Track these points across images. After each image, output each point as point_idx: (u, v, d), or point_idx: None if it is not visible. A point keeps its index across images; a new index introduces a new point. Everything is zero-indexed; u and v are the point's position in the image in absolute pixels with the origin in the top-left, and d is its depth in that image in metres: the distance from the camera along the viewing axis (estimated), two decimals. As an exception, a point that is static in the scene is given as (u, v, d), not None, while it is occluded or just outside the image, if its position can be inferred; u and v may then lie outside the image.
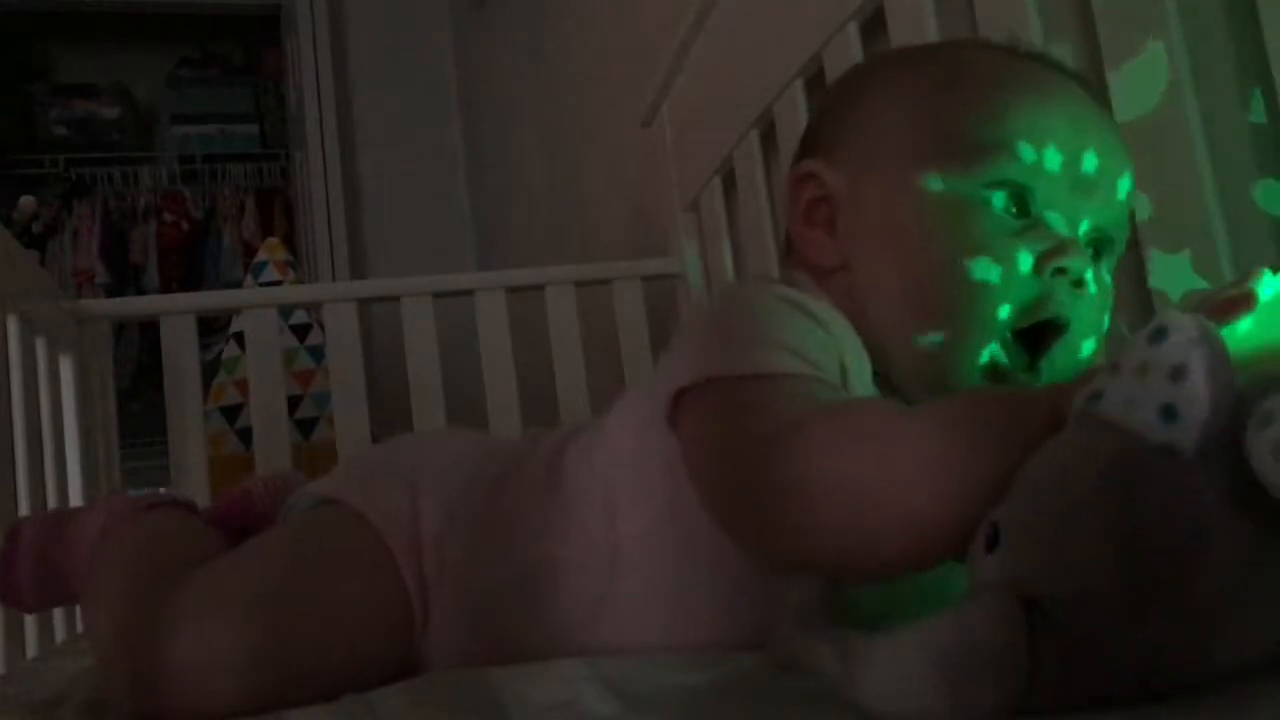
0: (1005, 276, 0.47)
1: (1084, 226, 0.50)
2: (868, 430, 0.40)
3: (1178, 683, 0.29)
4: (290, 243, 3.23)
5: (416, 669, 0.54)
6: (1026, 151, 0.48)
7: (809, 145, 0.57)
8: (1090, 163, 0.49)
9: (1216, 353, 0.28)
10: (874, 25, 0.86)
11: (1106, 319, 0.51)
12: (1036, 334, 0.49)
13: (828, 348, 0.47)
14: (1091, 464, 0.30)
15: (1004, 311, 0.48)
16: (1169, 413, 0.28)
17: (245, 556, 0.57)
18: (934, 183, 0.49)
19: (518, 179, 2.48)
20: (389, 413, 1.62)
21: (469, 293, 1.35)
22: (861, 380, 0.49)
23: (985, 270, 0.48)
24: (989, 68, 0.52)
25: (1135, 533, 0.28)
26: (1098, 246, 0.51)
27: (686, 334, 0.53)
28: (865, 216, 0.52)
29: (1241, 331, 0.36)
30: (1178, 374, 0.28)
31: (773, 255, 1.06)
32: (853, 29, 0.87)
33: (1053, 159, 0.48)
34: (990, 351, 0.48)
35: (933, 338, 0.49)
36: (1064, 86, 0.51)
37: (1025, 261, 0.48)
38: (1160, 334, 0.29)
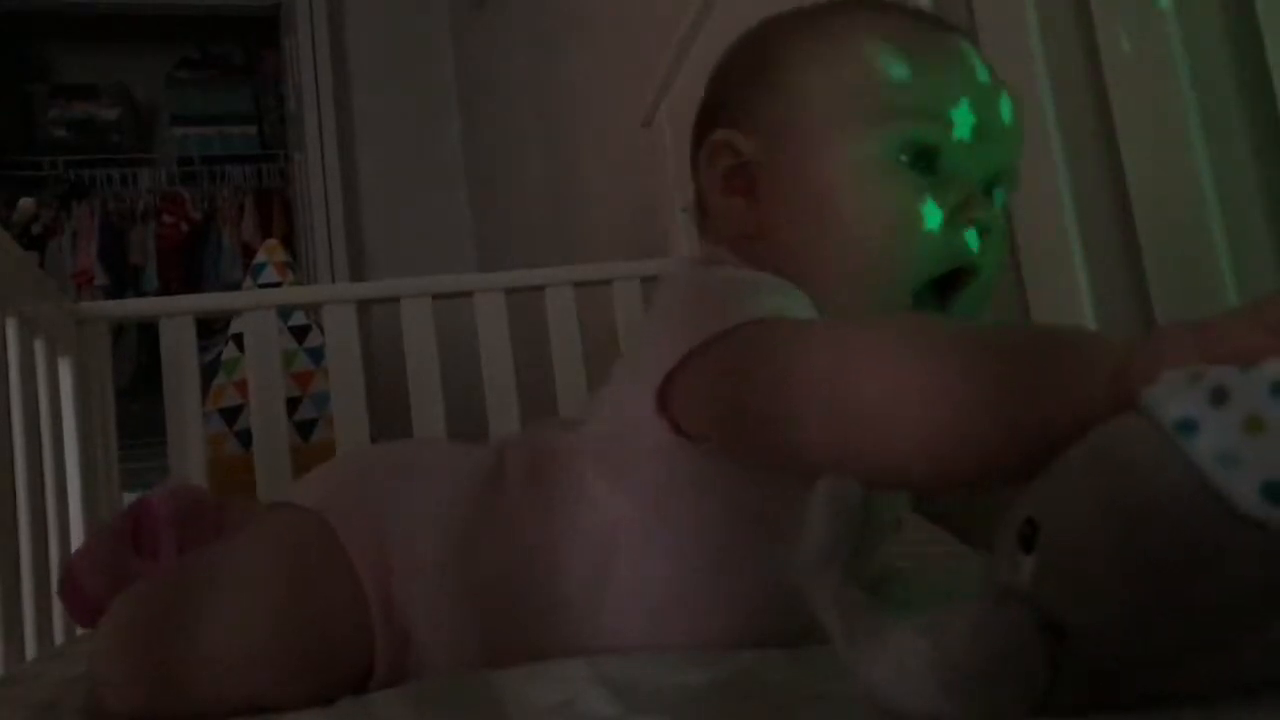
0: (920, 232, 0.50)
1: (982, 174, 0.52)
2: (914, 338, 0.40)
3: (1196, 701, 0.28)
4: (289, 244, 3.23)
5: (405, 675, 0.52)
6: (934, 112, 0.51)
7: (714, 116, 0.57)
8: (988, 115, 0.52)
9: None
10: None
11: (1001, 255, 0.54)
12: (946, 279, 0.51)
13: (802, 303, 0.49)
14: (1166, 515, 0.27)
15: (921, 265, 0.50)
16: (1274, 491, 0.25)
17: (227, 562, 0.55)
18: (850, 146, 0.51)
19: (517, 180, 2.48)
20: (388, 414, 1.62)
21: (468, 294, 1.35)
22: None
23: (902, 229, 0.50)
24: (889, 30, 0.53)
25: (1203, 607, 0.26)
26: (993, 185, 0.53)
27: (656, 328, 0.53)
28: (784, 181, 0.53)
29: None
30: (1255, 426, 0.26)
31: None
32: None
33: (957, 117, 0.51)
34: (908, 304, 0.50)
35: (855, 295, 0.51)
36: (959, 43, 0.53)
37: (937, 217, 0.50)
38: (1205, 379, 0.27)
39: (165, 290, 3.38)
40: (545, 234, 2.27)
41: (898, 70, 0.51)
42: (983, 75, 0.53)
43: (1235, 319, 0.31)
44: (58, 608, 0.99)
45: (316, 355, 2.01)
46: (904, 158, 0.51)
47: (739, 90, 0.57)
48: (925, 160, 0.51)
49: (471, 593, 0.52)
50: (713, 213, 0.56)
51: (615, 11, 1.67)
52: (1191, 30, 0.58)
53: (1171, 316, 0.61)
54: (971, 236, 0.51)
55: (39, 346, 1.02)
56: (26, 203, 3.31)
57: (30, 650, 0.89)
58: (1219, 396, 0.26)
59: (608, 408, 0.54)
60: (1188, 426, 0.27)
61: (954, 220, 0.50)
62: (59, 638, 0.98)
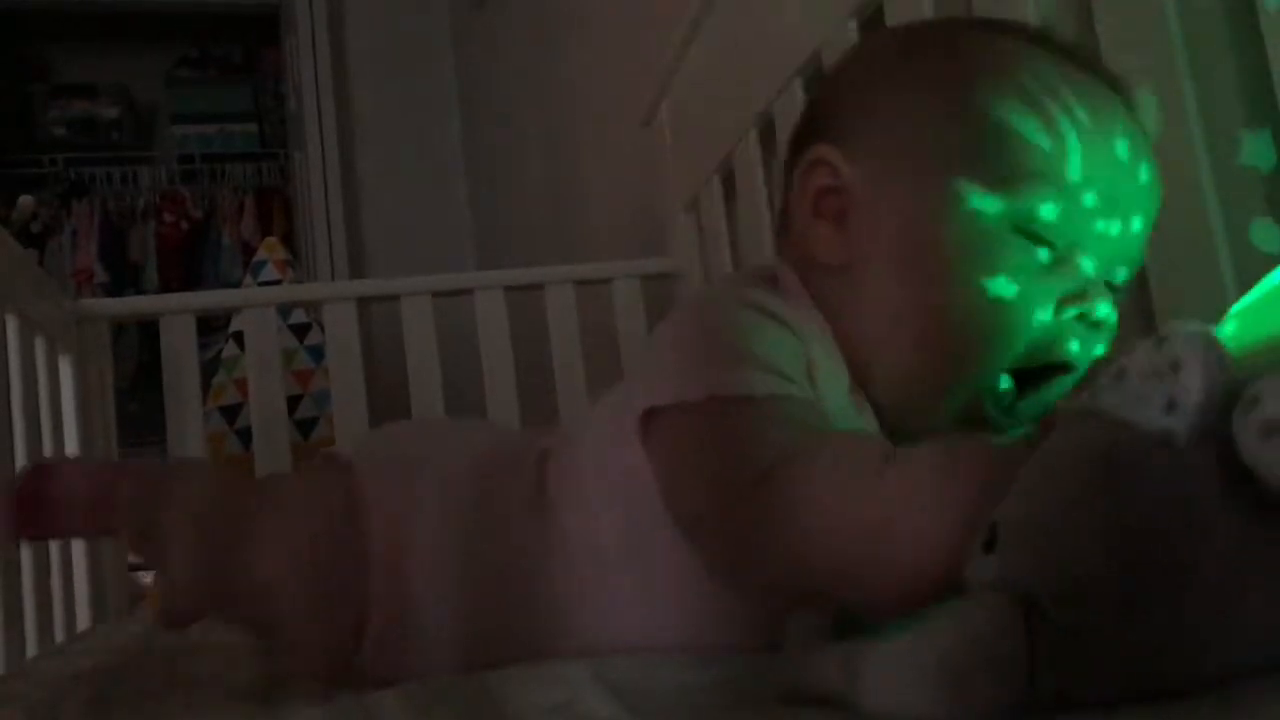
0: (1024, 317, 0.45)
1: (1108, 255, 0.47)
2: (858, 472, 0.39)
3: (1179, 679, 0.29)
4: (289, 242, 3.23)
5: (402, 665, 0.52)
6: (1069, 183, 0.45)
7: (819, 127, 0.52)
8: (1129, 194, 0.46)
9: (1210, 344, 0.29)
10: (873, 22, 0.86)
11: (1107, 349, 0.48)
12: (1033, 371, 0.46)
13: (798, 355, 0.45)
14: (1084, 458, 0.30)
15: (1007, 353, 0.45)
16: (1170, 406, 0.29)
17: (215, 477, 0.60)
18: (968, 199, 0.45)
19: (517, 178, 2.48)
20: (388, 412, 1.61)
21: (468, 292, 1.35)
22: (832, 388, 0.47)
23: (1005, 308, 0.44)
24: (1039, 72, 0.46)
25: (1131, 525, 0.28)
26: (1111, 281, 0.48)
27: (657, 345, 0.51)
28: (882, 219, 0.48)
29: (1226, 333, 0.36)
30: (1174, 367, 0.29)
31: (770, 253, 1.06)
32: (852, 26, 0.87)
33: (1094, 195, 0.45)
34: (994, 386, 0.46)
35: (931, 364, 0.46)
36: (1111, 101, 0.47)
37: (1047, 302, 0.45)
38: (1160, 341, 0.30)
39: (165, 289, 3.38)
40: (545, 232, 2.27)
41: (1037, 126, 0.45)
42: (1131, 143, 0.46)
43: None
44: (59, 606, 0.99)
45: (317, 353, 2.01)
46: (1024, 227, 0.45)
47: (850, 106, 0.51)
48: (1047, 234, 0.45)
49: (468, 580, 0.52)
50: (795, 230, 0.52)
51: (615, 10, 1.67)
52: (1193, 30, 0.58)
53: (1170, 317, 0.61)
54: (1075, 332, 0.45)
55: (39, 345, 1.02)
56: (26, 201, 3.31)
57: (31, 648, 0.89)
58: (1117, 374, 0.31)
59: (609, 414, 0.52)
60: (1093, 397, 0.31)
61: (1061, 309, 0.45)
62: (59, 635, 0.98)
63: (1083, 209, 0.45)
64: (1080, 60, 0.48)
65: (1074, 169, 0.45)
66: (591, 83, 1.84)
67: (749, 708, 0.39)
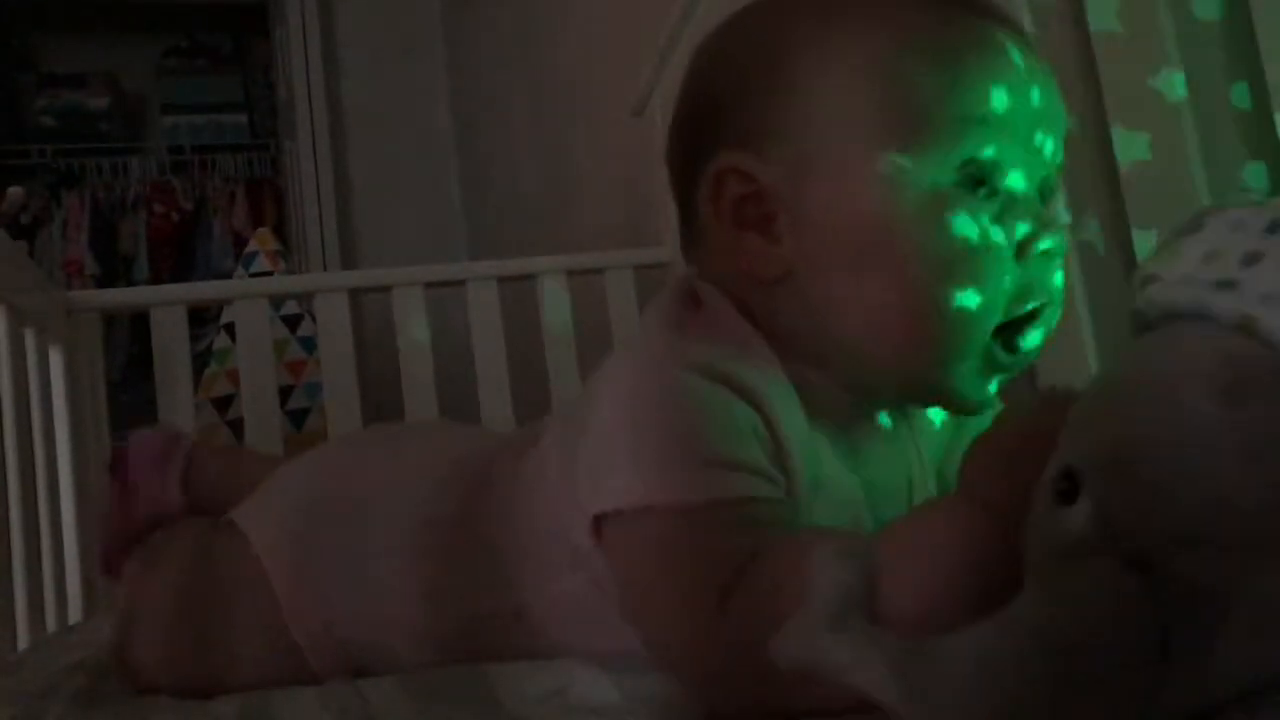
0: (995, 273, 0.42)
1: (1042, 175, 0.45)
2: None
3: None
4: (280, 233, 3.21)
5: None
6: (997, 119, 0.42)
7: (714, 130, 0.47)
8: (1044, 113, 0.44)
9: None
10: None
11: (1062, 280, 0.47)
12: (1021, 319, 0.45)
13: (755, 427, 0.42)
14: (1199, 371, 0.25)
15: (994, 312, 0.43)
16: (1224, 284, 0.25)
17: (167, 562, 0.60)
18: (901, 169, 0.42)
19: (509, 168, 2.47)
20: (380, 403, 1.61)
21: (460, 283, 1.34)
22: (794, 429, 0.44)
23: (976, 269, 0.42)
24: (930, 24, 0.44)
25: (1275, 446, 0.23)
26: (1045, 192, 0.46)
27: (601, 427, 0.44)
28: (815, 216, 0.44)
29: None
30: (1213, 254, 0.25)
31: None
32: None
33: (1013, 121, 0.43)
34: (989, 348, 0.44)
35: (922, 353, 0.44)
36: (1002, 36, 0.45)
37: (1009, 251, 0.43)
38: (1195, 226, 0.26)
39: (156, 280, 3.36)
40: (537, 222, 2.27)
41: (944, 72, 0.42)
42: (1030, 67, 0.45)
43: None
44: (50, 597, 0.99)
45: (308, 344, 2.00)
46: (964, 180, 0.42)
47: (744, 99, 0.46)
48: (986, 180, 0.43)
49: (423, 647, 0.52)
50: (717, 248, 0.47)
51: (606, 0, 1.67)
52: (1184, 19, 0.58)
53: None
54: (1042, 268, 0.44)
55: (29, 336, 1.02)
56: (16, 191, 3.29)
57: (23, 640, 0.89)
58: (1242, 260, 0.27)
59: (552, 470, 0.48)
60: (1148, 282, 0.28)
61: (1025, 253, 0.43)
62: (51, 626, 0.98)
63: (1010, 143, 0.43)
64: (969, 2, 0.46)
65: (991, 107, 0.43)
66: (583, 73, 1.83)
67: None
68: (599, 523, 0.42)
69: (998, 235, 0.43)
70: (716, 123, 0.47)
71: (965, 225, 0.42)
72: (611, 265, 1.38)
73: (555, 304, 1.34)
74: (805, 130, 0.44)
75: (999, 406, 0.48)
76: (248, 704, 0.48)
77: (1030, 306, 0.44)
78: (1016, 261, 0.43)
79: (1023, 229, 0.43)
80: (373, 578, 0.53)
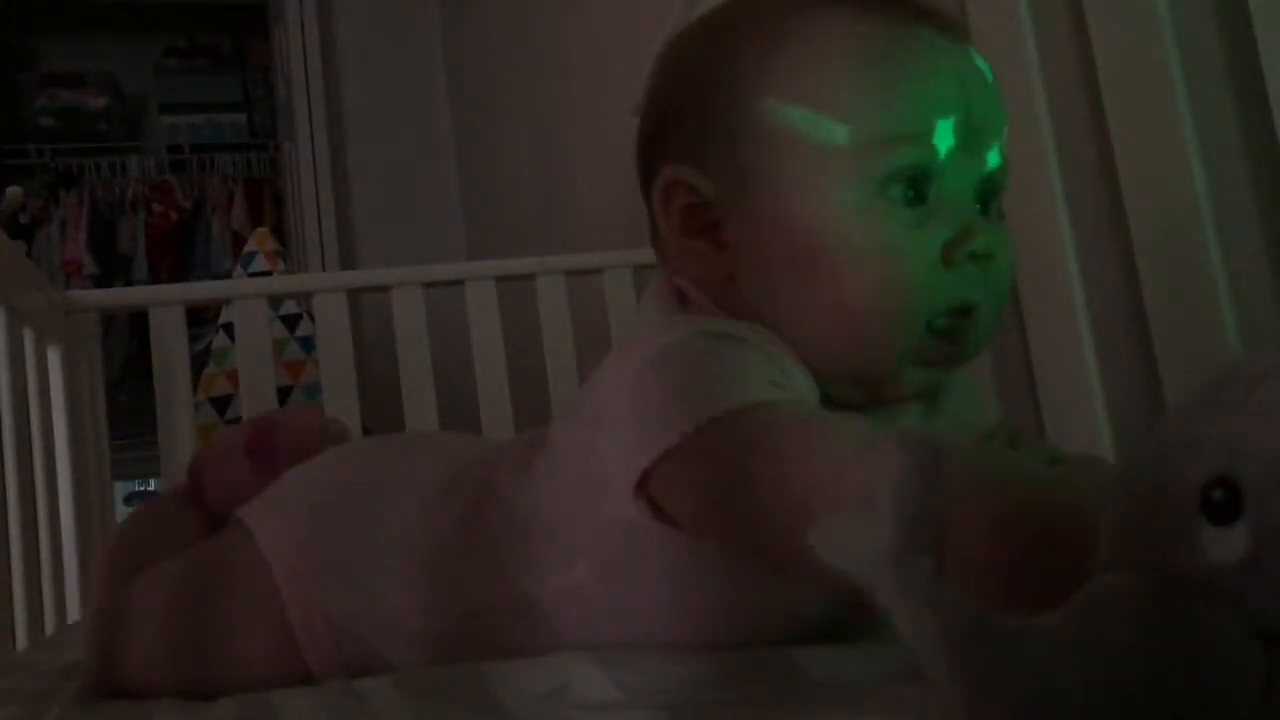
0: (917, 277, 0.45)
1: (974, 181, 0.47)
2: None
3: None
4: (279, 233, 3.21)
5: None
6: (920, 132, 0.45)
7: (664, 144, 0.51)
8: (978, 119, 0.46)
9: None
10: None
11: (1010, 272, 0.49)
12: (956, 316, 0.47)
13: (775, 368, 0.45)
14: None
15: (919, 313, 0.46)
16: None
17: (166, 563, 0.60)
18: (829, 185, 0.45)
19: (507, 168, 2.47)
20: (379, 403, 1.61)
21: (459, 282, 1.34)
22: (810, 392, 0.46)
23: (896, 277, 0.45)
24: (862, 41, 0.46)
25: None
26: (987, 195, 0.48)
27: (621, 395, 0.46)
28: (754, 230, 0.47)
29: None
30: None
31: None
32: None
33: (942, 131, 0.45)
34: (925, 344, 0.46)
35: (847, 349, 0.46)
36: (937, 42, 0.47)
37: (934, 256, 0.45)
38: None
39: (155, 280, 3.36)
40: (536, 222, 2.27)
41: (876, 87, 0.45)
42: (965, 70, 0.47)
43: None
44: (48, 598, 0.98)
45: (307, 344, 2.00)
46: (892, 191, 0.45)
47: (686, 117, 0.50)
48: (914, 188, 0.45)
49: (422, 645, 0.52)
50: (671, 254, 0.51)
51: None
52: (1186, 33, 0.58)
53: (1166, 326, 0.61)
54: (971, 273, 0.46)
55: (28, 336, 1.02)
56: (14, 191, 3.29)
57: (21, 641, 0.89)
58: None
59: (564, 465, 0.49)
60: None
61: (951, 256, 0.45)
62: (49, 628, 0.98)
63: (939, 154, 0.45)
64: (904, 10, 0.48)
65: (919, 115, 0.45)
66: (582, 72, 1.83)
67: (748, 699, 0.39)
68: (646, 482, 0.43)
69: (920, 242, 0.45)
70: (666, 136, 0.51)
71: (887, 234, 0.45)
72: (610, 265, 1.37)
73: (554, 304, 1.34)
74: (738, 146, 0.47)
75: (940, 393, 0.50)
76: (247, 704, 0.48)
77: (958, 305, 0.46)
78: (942, 265, 0.45)
79: (946, 235, 0.45)
80: (374, 571, 0.53)
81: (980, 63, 0.48)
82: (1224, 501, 0.21)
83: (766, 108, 0.47)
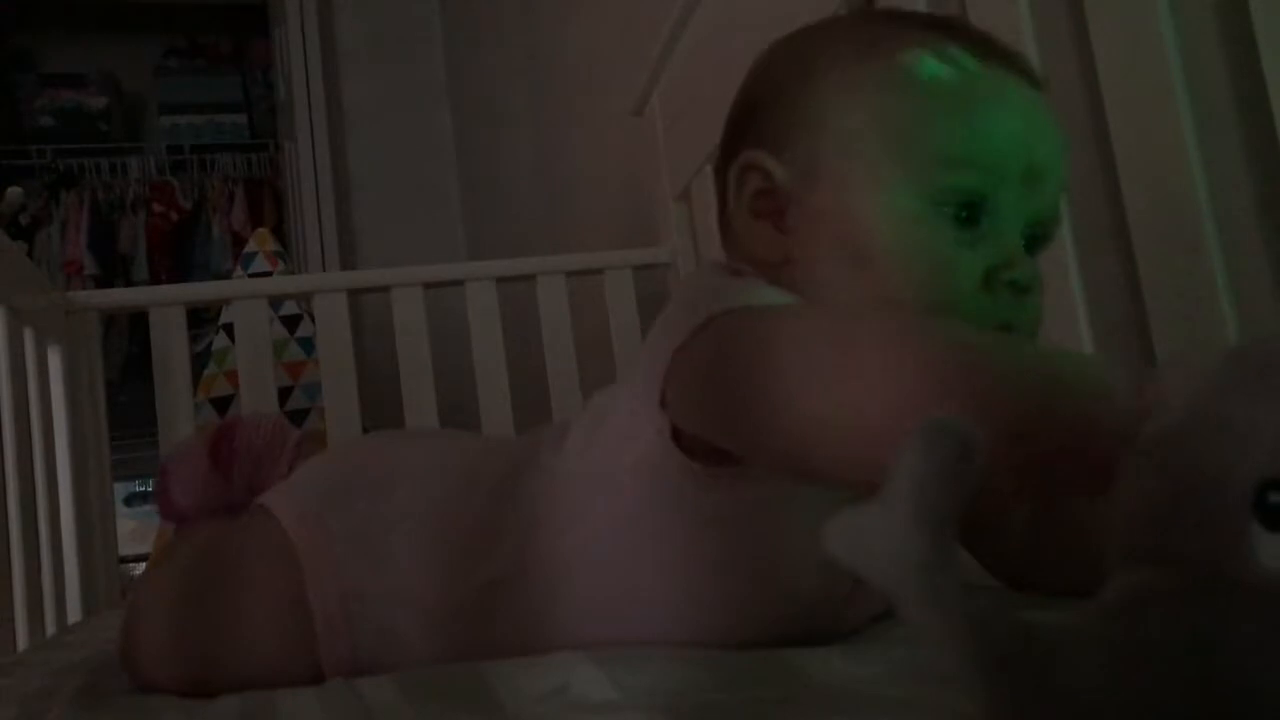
0: (956, 292, 0.48)
1: (1027, 219, 0.50)
2: (914, 337, 0.40)
3: None
4: (279, 233, 3.21)
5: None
6: (983, 161, 0.48)
7: (747, 130, 0.55)
8: (1038, 162, 0.49)
9: None
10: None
11: (1039, 313, 0.51)
12: None
13: None
14: None
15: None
16: None
17: (178, 556, 0.61)
18: (890, 193, 0.49)
19: (508, 168, 2.47)
20: (380, 403, 1.61)
21: (459, 283, 1.35)
22: None
23: (937, 288, 0.48)
24: (944, 70, 0.50)
25: None
26: (1034, 238, 0.51)
27: (657, 329, 0.51)
28: (816, 221, 0.51)
29: None
30: None
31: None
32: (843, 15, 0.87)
33: (1007, 167, 0.48)
34: None
35: None
36: (1014, 84, 0.50)
37: (975, 276, 0.48)
38: None
39: (155, 280, 3.36)
40: (536, 223, 2.27)
41: (948, 111, 0.48)
42: (1035, 115, 0.50)
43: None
44: (48, 598, 0.99)
45: (307, 345, 2.00)
46: (947, 209, 0.48)
47: (772, 108, 0.54)
48: (969, 211, 0.48)
49: (434, 620, 0.53)
50: (738, 233, 0.54)
51: (606, 0, 1.67)
52: (1186, 33, 0.58)
53: (1166, 323, 0.61)
54: (1008, 300, 0.48)
55: (28, 337, 1.02)
56: (14, 192, 3.29)
57: (21, 641, 0.89)
58: None
59: (592, 421, 0.53)
60: None
61: (992, 280, 0.48)
62: (50, 628, 0.98)
63: (995, 185, 0.48)
64: (981, 43, 0.51)
65: (987, 148, 0.48)
66: (582, 72, 1.83)
67: (748, 699, 0.39)
68: (666, 397, 0.46)
69: (966, 260, 0.48)
70: (750, 124, 0.55)
71: (934, 245, 0.48)
72: (610, 265, 1.38)
73: (554, 304, 1.34)
74: (815, 142, 0.51)
75: None
76: (248, 704, 0.48)
77: (989, 325, 0.48)
78: (982, 288, 0.48)
79: (992, 260, 0.48)
80: (391, 546, 0.55)
81: (1051, 116, 0.51)
82: (1277, 507, 0.21)
83: (842, 109, 0.51)
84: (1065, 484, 0.36)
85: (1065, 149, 0.51)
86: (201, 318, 2.44)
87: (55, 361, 1.12)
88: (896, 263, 0.48)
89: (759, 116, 0.55)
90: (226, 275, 2.94)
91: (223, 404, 2.02)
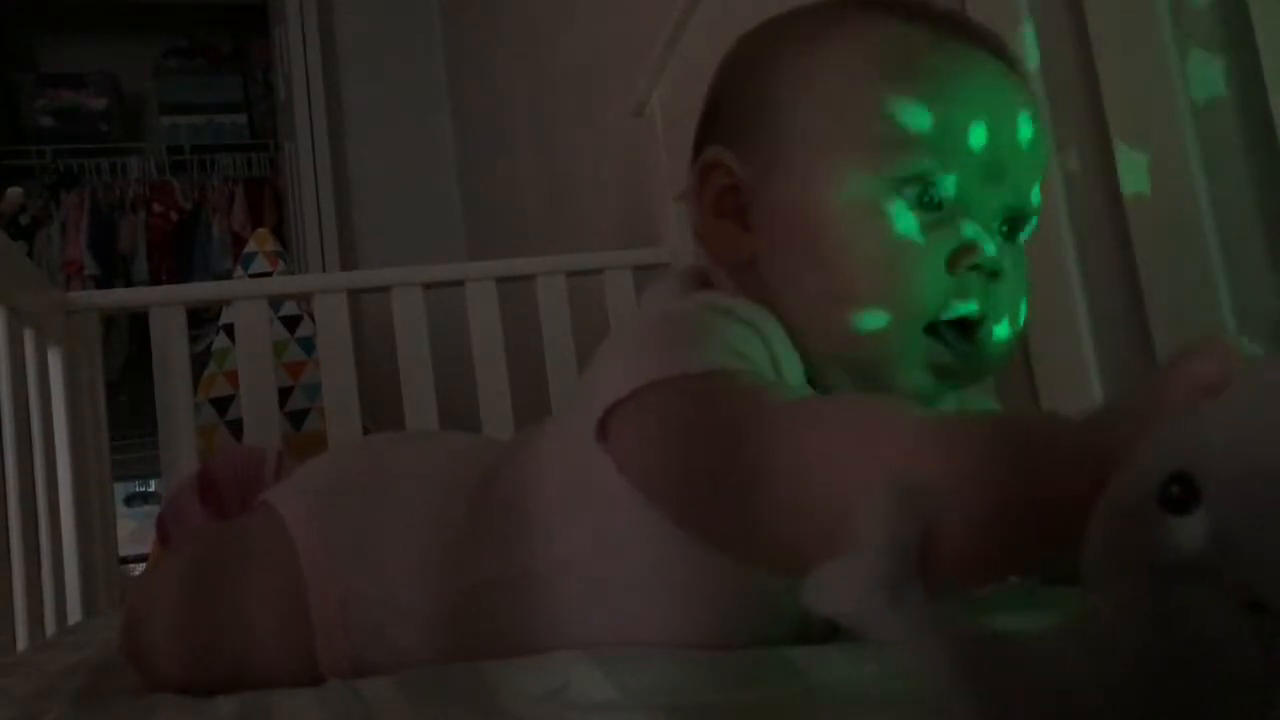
0: (914, 276, 0.46)
1: (998, 206, 0.49)
2: (861, 415, 0.39)
3: None
4: (279, 233, 3.21)
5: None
6: (939, 143, 0.46)
7: (711, 127, 0.54)
8: (1005, 144, 0.47)
9: None
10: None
11: (1023, 300, 0.50)
12: (960, 328, 0.48)
13: (761, 350, 0.46)
14: None
15: (915, 311, 0.47)
16: None
17: (183, 551, 0.61)
18: (845, 181, 0.47)
19: (508, 169, 2.47)
20: (380, 404, 1.61)
21: (459, 283, 1.35)
22: (795, 381, 0.48)
23: (892, 273, 0.46)
24: (899, 50, 0.48)
25: None
26: (1012, 224, 0.50)
27: (611, 349, 0.50)
28: (777, 214, 0.50)
29: None
30: None
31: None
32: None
33: (966, 149, 0.47)
34: (924, 347, 0.47)
35: (847, 339, 0.47)
36: (979, 64, 0.48)
37: (937, 260, 0.46)
38: None
39: (155, 280, 3.36)
40: (536, 223, 2.27)
41: (899, 92, 0.47)
42: (1002, 96, 0.48)
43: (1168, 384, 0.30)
44: (49, 598, 0.99)
45: (307, 345, 2.00)
46: (905, 193, 0.47)
47: (732, 104, 0.53)
48: (927, 194, 0.47)
49: (428, 622, 0.53)
50: (701, 233, 0.53)
51: (606, 0, 1.67)
52: (1186, 33, 0.58)
53: (1166, 323, 0.61)
54: (977, 283, 0.47)
55: (28, 337, 1.02)
56: (15, 192, 3.29)
57: (21, 641, 0.89)
58: None
59: (570, 433, 0.51)
60: None
61: (955, 265, 0.46)
62: (50, 629, 0.98)
63: (956, 163, 0.47)
64: (955, 28, 0.50)
65: (943, 130, 0.46)
66: (583, 73, 1.83)
67: (748, 699, 0.39)
68: (604, 428, 0.45)
69: (926, 244, 0.46)
70: (713, 122, 0.54)
71: (893, 231, 0.46)
72: (610, 266, 1.38)
73: (554, 304, 1.34)
74: (774, 136, 0.50)
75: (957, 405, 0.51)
76: (248, 704, 0.48)
77: (959, 312, 0.47)
78: (946, 270, 0.46)
79: (954, 244, 0.47)
80: (385, 552, 0.54)
81: (1026, 100, 0.49)
82: (1181, 494, 0.23)
83: (795, 99, 0.50)
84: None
85: (1037, 136, 0.49)
86: (201, 318, 2.44)
87: (55, 362, 1.12)
88: (850, 250, 0.47)
89: (721, 114, 0.54)
90: (226, 275, 2.94)
91: (223, 404, 2.02)
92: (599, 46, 1.73)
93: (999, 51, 0.50)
